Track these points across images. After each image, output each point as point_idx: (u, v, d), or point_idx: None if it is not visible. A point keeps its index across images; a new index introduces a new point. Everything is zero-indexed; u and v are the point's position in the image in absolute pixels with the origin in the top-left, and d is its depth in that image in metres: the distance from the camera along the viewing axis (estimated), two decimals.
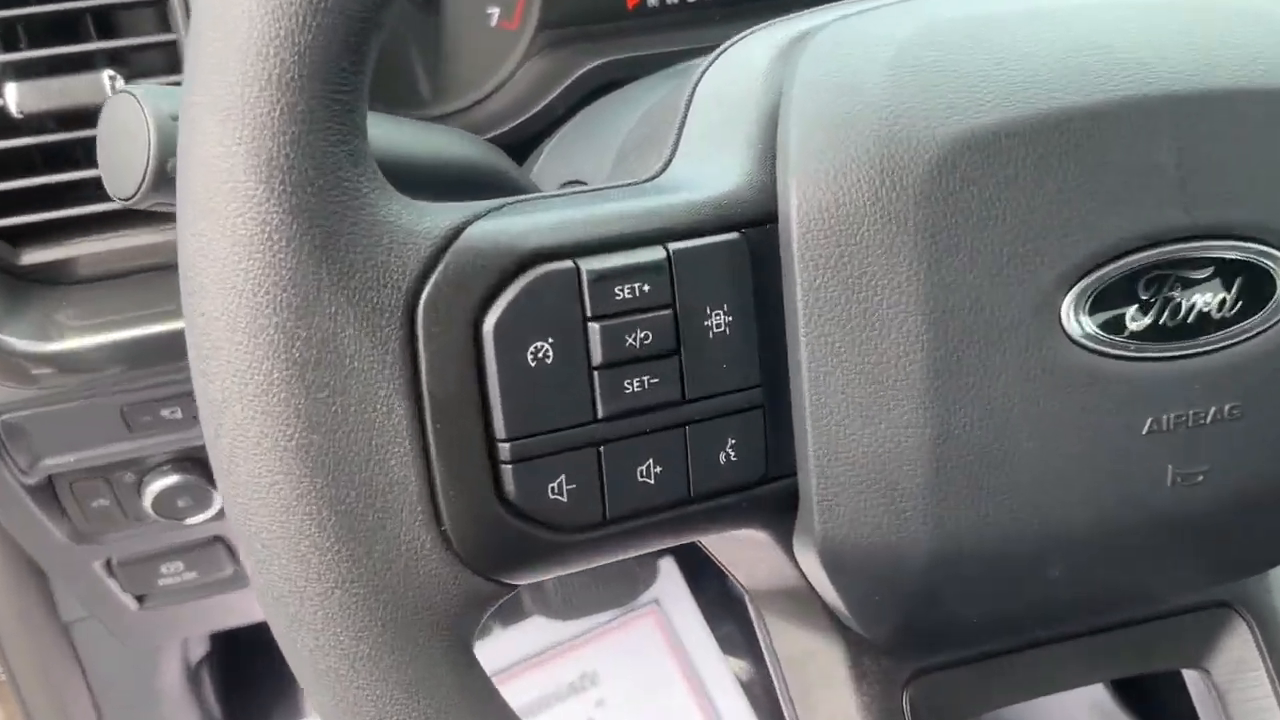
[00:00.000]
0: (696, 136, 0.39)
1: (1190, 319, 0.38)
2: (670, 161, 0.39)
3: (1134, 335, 0.38)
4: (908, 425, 0.36)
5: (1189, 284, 0.38)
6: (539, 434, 0.33)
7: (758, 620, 0.46)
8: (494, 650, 1.30)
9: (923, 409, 0.36)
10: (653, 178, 0.38)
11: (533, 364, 0.33)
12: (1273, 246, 0.38)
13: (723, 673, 1.38)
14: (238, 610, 0.88)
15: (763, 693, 1.36)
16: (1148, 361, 0.38)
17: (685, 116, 0.40)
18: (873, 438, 0.36)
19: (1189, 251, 0.38)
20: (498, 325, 0.33)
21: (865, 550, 0.37)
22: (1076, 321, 0.37)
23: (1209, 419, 0.38)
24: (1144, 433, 0.38)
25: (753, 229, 0.36)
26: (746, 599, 0.46)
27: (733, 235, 0.36)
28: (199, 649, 1.10)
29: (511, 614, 1.30)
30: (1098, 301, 0.37)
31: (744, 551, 0.43)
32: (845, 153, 0.35)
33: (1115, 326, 0.37)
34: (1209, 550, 0.42)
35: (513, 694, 1.28)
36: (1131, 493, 0.38)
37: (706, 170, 0.38)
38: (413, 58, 0.66)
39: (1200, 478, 0.39)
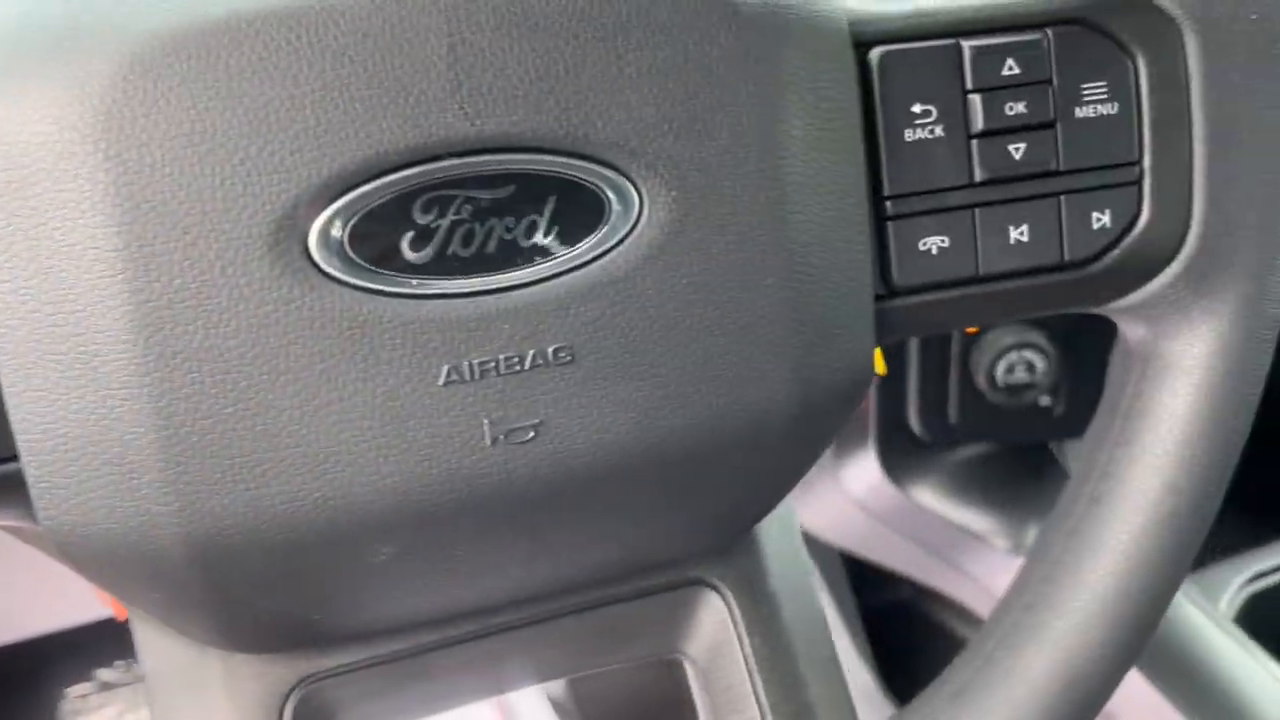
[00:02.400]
0: None
1: (491, 248, 0.32)
2: None
3: (415, 268, 0.32)
4: (122, 390, 0.30)
5: (485, 206, 0.32)
6: None
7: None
8: None
9: (134, 370, 0.30)
10: None
11: None
12: (595, 161, 0.33)
13: (533, 695, 1.31)
14: None
15: (576, 709, 1.30)
16: (435, 299, 0.32)
17: None
18: (84, 407, 0.30)
19: (478, 167, 0.32)
20: None
21: (109, 544, 0.31)
22: (334, 254, 0.31)
23: (528, 365, 0.33)
24: (441, 383, 0.32)
25: None
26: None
27: None
28: None
29: None
30: (363, 229, 0.31)
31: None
32: (21, 71, 0.29)
33: (389, 258, 0.32)
34: (580, 520, 0.36)
35: None
36: (440, 455, 0.32)
37: None
38: None
39: (532, 434, 0.33)
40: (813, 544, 1.20)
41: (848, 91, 0.36)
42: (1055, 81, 0.37)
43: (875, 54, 0.37)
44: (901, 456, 1.07)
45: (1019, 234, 0.38)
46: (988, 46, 0.37)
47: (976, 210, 0.38)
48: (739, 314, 0.34)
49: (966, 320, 0.40)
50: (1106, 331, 0.45)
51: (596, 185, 0.33)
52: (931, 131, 0.37)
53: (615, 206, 0.33)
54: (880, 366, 0.88)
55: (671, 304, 0.34)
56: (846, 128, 0.36)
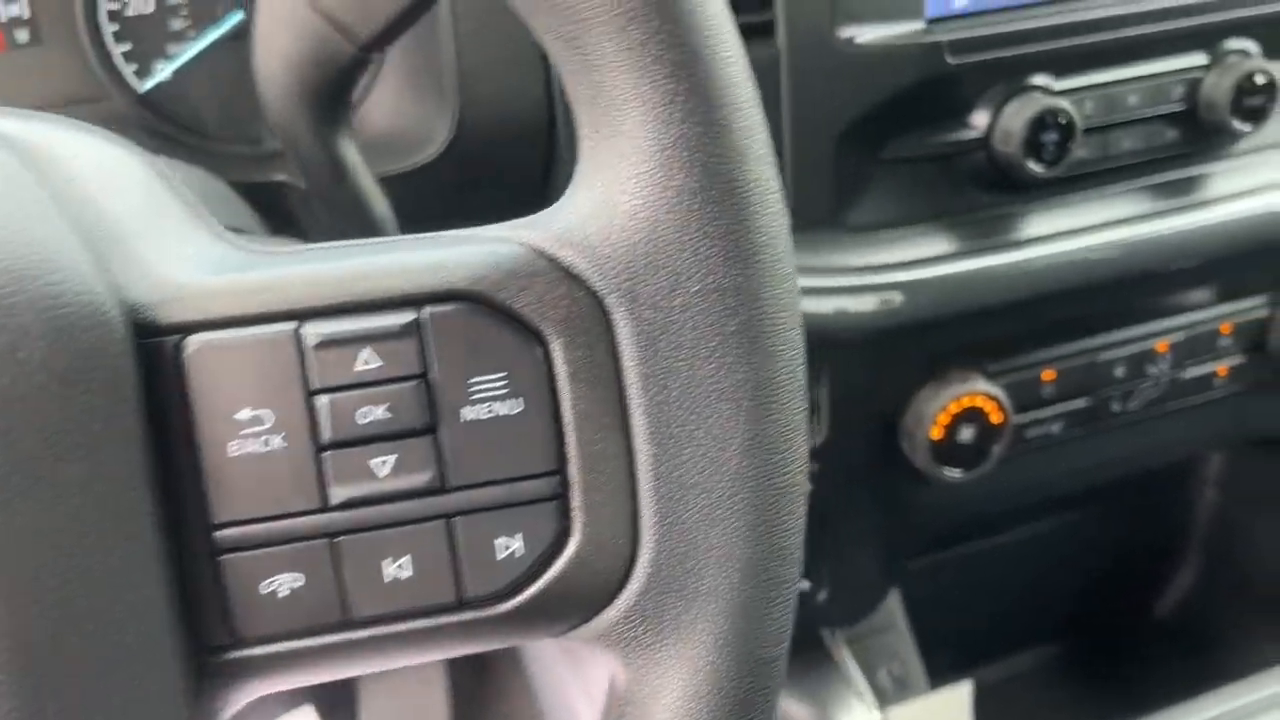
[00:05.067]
0: None
1: None
2: None
3: None
4: None
5: None
6: None
7: None
8: None
9: None
10: None
11: None
12: None
13: None
14: None
15: None
16: None
17: None
18: None
19: None
20: None
21: None
22: None
23: None
24: None
25: None
26: None
27: None
28: None
29: None
30: None
31: None
32: None
33: None
34: None
35: None
36: None
37: None
38: None
39: None
40: None
41: (118, 402, 0.27)
42: (434, 375, 0.29)
43: (191, 344, 0.28)
44: None
45: (397, 569, 0.30)
46: (336, 335, 0.29)
47: (338, 541, 0.29)
48: None
49: (353, 668, 0.32)
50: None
51: None
52: (267, 443, 0.29)
53: None
54: None
55: None
56: (117, 451, 0.27)
